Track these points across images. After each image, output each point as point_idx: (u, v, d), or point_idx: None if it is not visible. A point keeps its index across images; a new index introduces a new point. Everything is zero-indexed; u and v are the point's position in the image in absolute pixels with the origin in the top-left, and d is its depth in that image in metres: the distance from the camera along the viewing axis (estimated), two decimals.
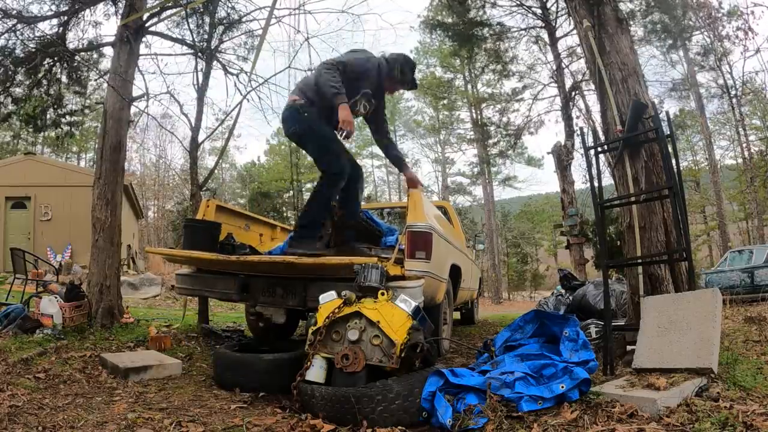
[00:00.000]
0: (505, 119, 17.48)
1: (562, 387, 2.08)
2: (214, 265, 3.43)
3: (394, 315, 2.35)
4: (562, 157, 10.88)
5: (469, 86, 25.24)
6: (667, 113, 3.76)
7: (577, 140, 10.27)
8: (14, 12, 5.23)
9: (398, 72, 3.46)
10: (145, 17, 4.93)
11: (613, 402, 2.03)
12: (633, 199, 3.32)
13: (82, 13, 5.64)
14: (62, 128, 6.78)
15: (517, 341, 2.70)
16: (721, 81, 17.11)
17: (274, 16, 5.25)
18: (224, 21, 6.59)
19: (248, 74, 5.86)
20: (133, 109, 5.29)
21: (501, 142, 19.19)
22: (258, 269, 3.27)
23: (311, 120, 3.34)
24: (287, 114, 3.44)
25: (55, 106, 6.38)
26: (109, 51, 5.88)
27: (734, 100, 16.79)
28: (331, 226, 3.74)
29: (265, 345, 3.37)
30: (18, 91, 6.05)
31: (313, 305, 2.81)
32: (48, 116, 6.48)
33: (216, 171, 30.13)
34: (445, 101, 27.48)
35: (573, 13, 3.84)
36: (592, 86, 4.63)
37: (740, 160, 19.62)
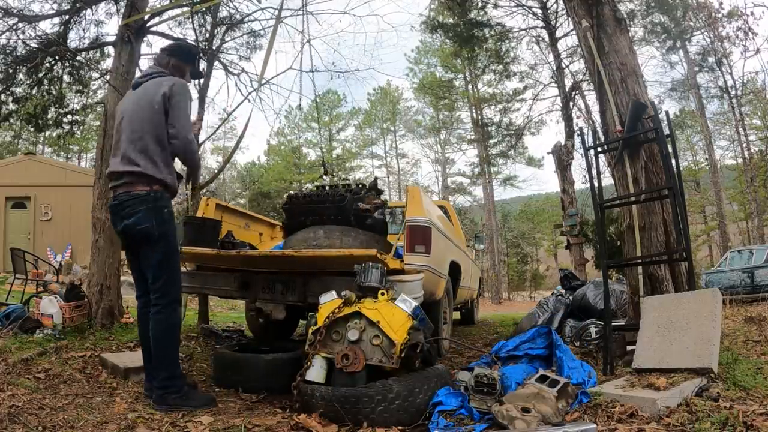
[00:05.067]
0: (506, 119, 17.51)
1: None
2: (214, 261, 3.43)
3: (394, 315, 2.35)
4: (563, 157, 10.87)
5: (470, 86, 25.23)
6: (667, 113, 3.76)
7: (577, 140, 10.26)
8: (15, 11, 5.24)
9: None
10: (146, 17, 4.93)
11: (614, 402, 2.03)
12: (633, 199, 3.32)
13: (84, 12, 5.64)
14: (63, 128, 6.79)
15: (524, 351, 2.73)
16: (721, 81, 17.12)
17: (275, 16, 5.25)
18: (226, 21, 6.60)
19: (258, 81, 5.84)
20: None
21: (502, 142, 19.20)
22: (257, 264, 3.27)
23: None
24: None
25: (56, 106, 6.38)
26: (110, 50, 5.89)
27: (734, 100, 16.79)
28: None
29: (265, 345, 3.38)
30: (19, 90, 6.06)
31: (313, 301, 2.81)
32: (49, 115, 6.49)
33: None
34: (446, 101, 27.48)
35: (572, 13, 3.84)
36: (592, 86, 4.63)
37: (740, 160, 19.63)
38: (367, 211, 3.69)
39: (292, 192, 3.92)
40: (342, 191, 3.78)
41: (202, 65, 6.28)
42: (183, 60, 2.70)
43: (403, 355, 2.28)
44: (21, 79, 5.90)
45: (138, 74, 3.15)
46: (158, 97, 2.46)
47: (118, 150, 2.50)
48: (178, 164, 2.72)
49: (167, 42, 2.92)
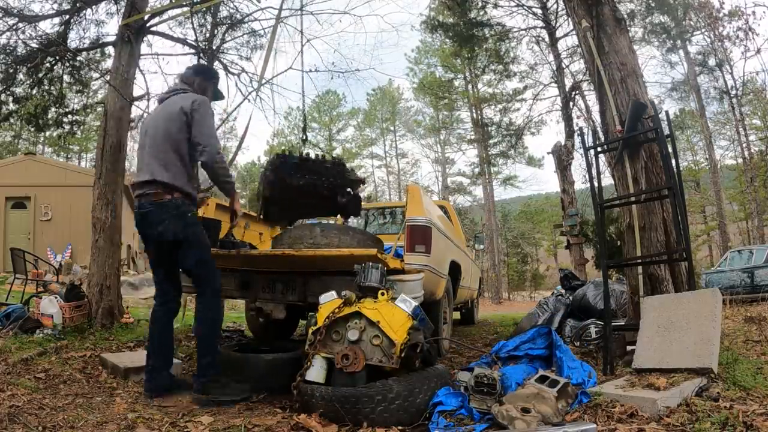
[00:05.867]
0: (506, 119, 17.52)
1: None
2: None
3: (394, 315, 2.35)
4: (563, 157, 10.87)
5: (470, 86, 25.24)
6: (667, 113, 3.76)
7: (577, 140, 10.26)
8: (15, 11, 5.24)
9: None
10: (146, 17, 4.93)
11: (614, 402, 2.03)
12: (633, 199, 3.32)
13: (84, 12, 5.64)
14: (63, 127, 6.79)
15: (524, 351, 2.73)
16: (721, 82, 17.13)
17: (275, 17, 5.25)
18: (226, 21, 6.60)
19: (258, 82, 5.85)
20: (134, 110, 5.29)
21: (502, 142, 19.22)
22: (257, 263, 3.27)
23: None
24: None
25: (57, 106, 6.39)
26: (110, 50, 5.90)
27: (734, 100, 16.80)
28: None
29: (265, 345, 3.38)
30: (19, 90, 6.06)
31: (313, 300, 2.81)
32: (49, 115, 6.49)
33: None
34: (446, 101, 27.49)
35: (572, 13, 3.84)
36: (592, 86, 4.64)
37: (740, 160, 19.64)
38: (354, 182, 3.70)
39: (279, 152, 3.79)
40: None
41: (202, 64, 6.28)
42: (207, 80, 2.91)
43: (403, 355, 2.28)
44: (21, 79, 5.91)
45: (164, 90, 3.22)
46: (177, 112, 2.62)
47: (143, 162, 2.69)
48: (203, 174, 2.93)
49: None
